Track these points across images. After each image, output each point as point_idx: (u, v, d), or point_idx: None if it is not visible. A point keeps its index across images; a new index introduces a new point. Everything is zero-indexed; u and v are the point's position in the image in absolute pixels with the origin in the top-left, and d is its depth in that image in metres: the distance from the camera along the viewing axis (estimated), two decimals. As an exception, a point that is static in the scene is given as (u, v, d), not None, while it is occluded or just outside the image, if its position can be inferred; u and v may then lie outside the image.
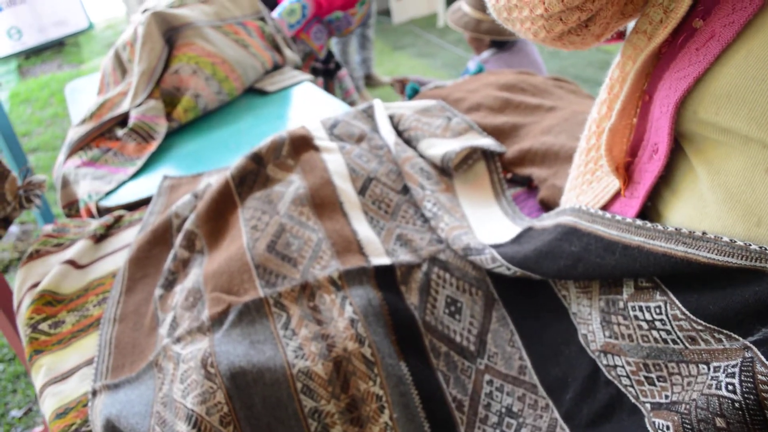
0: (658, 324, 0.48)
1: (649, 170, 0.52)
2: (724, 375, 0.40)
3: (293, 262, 0.77)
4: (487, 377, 0.65)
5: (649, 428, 0.46)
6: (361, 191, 0.89)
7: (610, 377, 0.53)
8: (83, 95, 1.73)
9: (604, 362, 0.54)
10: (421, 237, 0.80)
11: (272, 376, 0.63)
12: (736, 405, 0.38)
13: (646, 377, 0.50)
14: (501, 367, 0.65)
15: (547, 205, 0.86)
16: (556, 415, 0.58)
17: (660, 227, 0.48)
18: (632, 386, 0.51)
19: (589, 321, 0.57)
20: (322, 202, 0.86)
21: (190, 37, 1.49)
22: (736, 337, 0.42)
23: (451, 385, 0.65)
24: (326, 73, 2.37)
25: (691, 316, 0.45)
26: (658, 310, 0.48)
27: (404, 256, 0.77)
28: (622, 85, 0.56)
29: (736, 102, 0.41)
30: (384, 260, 0.76)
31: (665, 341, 0.48)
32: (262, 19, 1.74)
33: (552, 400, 0.59)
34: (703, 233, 0.44)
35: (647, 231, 0.49)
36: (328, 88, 2.40)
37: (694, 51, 0.45)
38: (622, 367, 0.52)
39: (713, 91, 0.43)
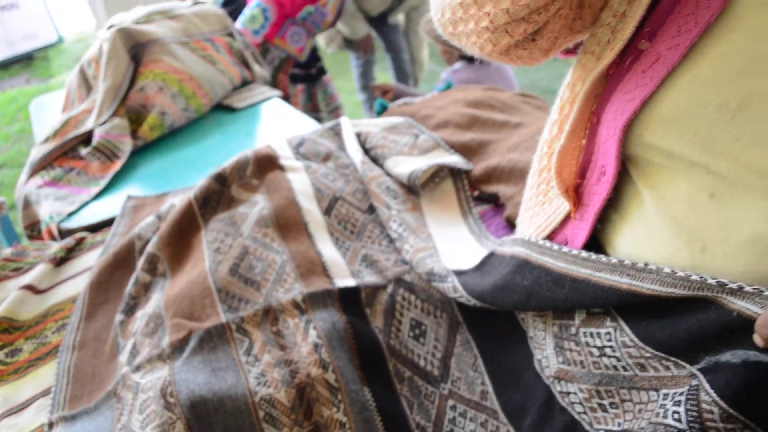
0: (608, 351, 0.48)
1: (597, 193, 0.52)
2: (671, 403, 0.40)
3: (256, 286, 0.76)
4: (450, 402, 0.64)
5: None
6: (327, 211, 0.88)
7: (563, 404, 0.53)
8: (48, 112, 1.70)
9: (558, 389, 0.54)
10: (386, 258, 0.79)
11: (234, 404, 0.61)
12: None
13: (599, 404, 0.49)
14: (464, 392, 0.64)
15: (513, 223, 0.86)
16: None
17: (604, 259, 0.48)
18: (585, 413, 0.50)
19: (544, 346, 0.57)
20: (287, 222, 0.85)
21: (156, 54, 1.47)
22: (683, 364, 0.42)
23: (415, 410, 0.64)
24: (308, 78, 2.32)
25: (640, 344, 0.45)
26: (608, 337, 0.48)
27: (369, 278, 0.76)
28: (572, 106, 0.55)
29: (680, 126, 0.41)
30: (349, 282, 0.75)
31: (615, 368, 0.48)
32: (231, 35, 1.73)
33: (512, 426, 0.59)
34: (646, 265, 0.44)
35: (593, 263, 0.49)
36: (311, 93, 2.33)
37: (640, 73, 0.45)
38: (575, 393, 0.52)
39: (659, 115, 0.43)
